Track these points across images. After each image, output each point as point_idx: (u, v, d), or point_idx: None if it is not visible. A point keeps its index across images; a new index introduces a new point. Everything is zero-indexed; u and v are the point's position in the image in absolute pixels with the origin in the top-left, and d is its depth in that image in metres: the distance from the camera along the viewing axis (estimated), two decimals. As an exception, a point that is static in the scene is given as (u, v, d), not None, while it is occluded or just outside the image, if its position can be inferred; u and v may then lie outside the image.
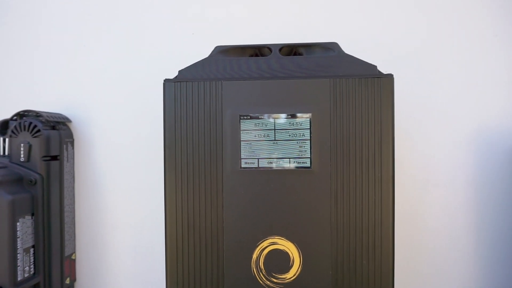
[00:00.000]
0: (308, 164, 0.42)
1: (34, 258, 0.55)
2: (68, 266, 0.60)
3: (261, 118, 0.43)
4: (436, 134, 0.57)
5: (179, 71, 0.45)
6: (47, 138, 0.56)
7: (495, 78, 0.56)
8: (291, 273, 0.42)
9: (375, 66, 0.43)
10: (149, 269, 0.61)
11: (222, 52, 0.46)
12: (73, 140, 0.62)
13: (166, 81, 0.44)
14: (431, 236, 0.57)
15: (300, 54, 0.47)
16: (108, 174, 0.62)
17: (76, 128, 0.62)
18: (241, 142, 0.43)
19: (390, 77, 0.42)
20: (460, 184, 0.57)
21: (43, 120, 0.57)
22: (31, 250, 0.54)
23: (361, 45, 0.56)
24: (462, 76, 0.57)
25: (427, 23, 0.57)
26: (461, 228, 0.57)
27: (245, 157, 0.43)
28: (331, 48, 0.45)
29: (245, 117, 0.43)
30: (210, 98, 0.44)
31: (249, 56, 0.47)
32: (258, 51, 0.48)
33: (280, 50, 0.46)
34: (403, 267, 0.56)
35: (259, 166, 0.43)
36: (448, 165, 0.57)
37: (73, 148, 0.62)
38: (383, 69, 0.46)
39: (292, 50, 0.48)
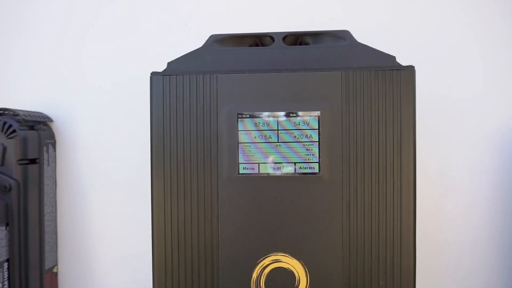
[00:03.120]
0: (316, 170, 0.37)
1: (9, 273, 0.49)
2: (49, 280, 0.55)
3: (262, 117, 0.37)
4: (456, 134, 0.51)
5: (168, 63, 0.39)
6: (24, 139, 0.51)
7: (522, 73, 0.51)
8: (297, 295, 0.37)
9: (394, 57, 0.37)
10: (138, 283, 0.56)
11: (218, 41, 0.41)
12: (55, 141, 0.56)
13: (154, 74, 0.39)
14: (451, 248, 0.52)
15: (306, 44, 0.42)
16: (93, 178, 0.56)
17: (58, 128, 0.57)
18: (239, 145, 0.38)
19: (411, 69, 0.36)
20: (483, 189, 0.51)
21: (20, 120, 0.51)
22: (5, 264, 0.48)
23: (373, 35, 0.51)
24: (485, 71, 0.51)
25: (448, 11, 0.52)
26: (484, 239, 0.51)
27: (243, 161, 0.38)
28: (341, 37, 0.39)
29: (243, 116, 0.38)
30: (203, 93, 0.38)
31: (249, 46, 0.42)
32: (258, 40, 0.42)
33: (283, 39, 0.40)
34: (423, 285, 0.51)
35: (260, 172, 0.37)
36: (470, 169, 0.51)
37: (54, 150, 0.56)
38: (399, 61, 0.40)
39: (297, 39, 0.42)
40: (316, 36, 0.41)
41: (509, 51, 0.51)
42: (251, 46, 0.42)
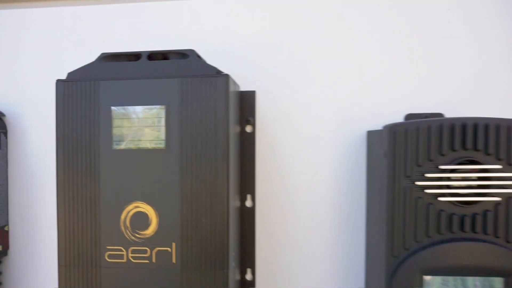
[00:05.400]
0: (163, 146, 0.54)
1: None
2: (0, 235, 0.73)
3: (128, 110, 0.55)
4: (298, 134, 0.68)
5: (68, 73, 0.57)
6: (-21, 128, 0.69)
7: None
8: (150, 230, 0.55)
9: (215, 68, 0.55)
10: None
11: (105, 57, 0.59)
12: (7, 131, 0.74)
13: (58, 81, 0.57)
14: (294, 243, 0.69)
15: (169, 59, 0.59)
16: (43, 163, 0.74)
17: (10, 122, 0.75)
18: (113, 129, 0.55)
19: (225, 76, 0.54)
20: (325, 187, 0.68)
21: (-23, 114, 0.69)
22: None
23: (224, 53, 0.68)
24: (322, 73, 0.69)
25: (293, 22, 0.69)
26: (329, 236, 0.68)
27: (116, 139, 0.55)
28: (187, 54, 0.57)
29: (117, 109, 0.55)
30: (91, 95, 0.56)
31: (128, 61, 0.59)
32: (135, 57, 0.60)
33: (150, 56, 0.58)
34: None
35: (127, 147, 0.55)
36: (313, 166, 0.68)
37: (6, 138, 0.74)
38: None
39: (164, 55, 0.60)
40: (175, 53, 0.58)
41: (339, 46, 0.68)
42: (130, 60, 0.60)
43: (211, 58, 0.68)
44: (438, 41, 0.66)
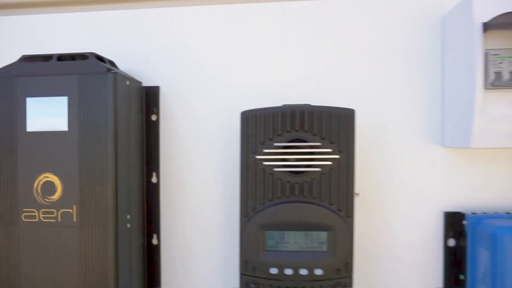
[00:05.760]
0: (66, 129, 0.69)
1: None
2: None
3: (40, 100, 0.69)
4: (191, 133, 0.83)
5: (-6, 71, 0.72)
6: None
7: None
8: (56, 195, 0.69)
9: (105, 67, 0.69)
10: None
11: (25, 58, 0.73)
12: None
13: (-14, 77, 0.71)
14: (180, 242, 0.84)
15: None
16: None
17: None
18: (27, 115, 0.69)
19: (114, 73, 0.68)
20: (212, 187, 0.83)
21: None
22: None
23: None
24: (202, 71, 0.82)
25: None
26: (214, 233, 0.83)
27: (30, 124, 0.69)
28: (88, 56, 0.71)
29: (31, 99, 0.69)
30: (11, 89, 0.70)
31: (42, 61, 0.73)
32: (49, 58, 0.74)
33: (60, 57, 0.72)
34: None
35: (41, 130, 0.69)
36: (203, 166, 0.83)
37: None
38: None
39: (72, 57, 0.74)
40: (78, 55, 0.72)
41: (229, 48, 0.82)
42: (44, 61, 0.74)
43: (125, 60, 0.83)
44: (311, 45, 0.80)
